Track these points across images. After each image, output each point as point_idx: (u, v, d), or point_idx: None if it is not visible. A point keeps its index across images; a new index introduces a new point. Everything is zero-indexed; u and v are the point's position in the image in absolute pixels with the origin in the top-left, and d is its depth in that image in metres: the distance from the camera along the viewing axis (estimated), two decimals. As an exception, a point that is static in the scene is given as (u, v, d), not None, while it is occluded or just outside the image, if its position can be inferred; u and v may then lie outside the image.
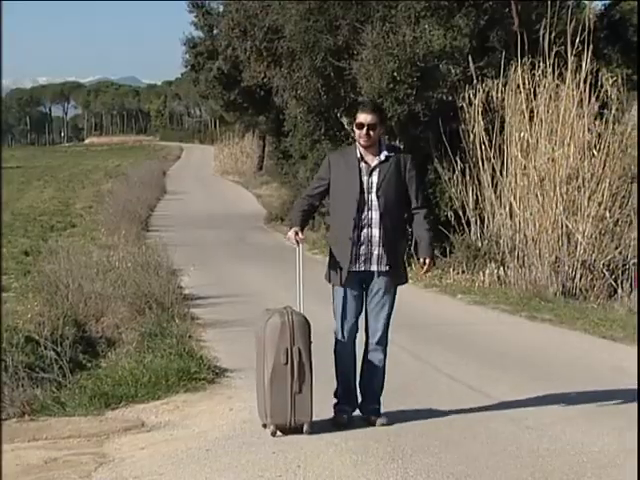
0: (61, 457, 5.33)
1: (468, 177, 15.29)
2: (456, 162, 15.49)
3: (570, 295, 12.85)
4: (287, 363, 5.13)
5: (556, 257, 13.28)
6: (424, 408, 6.05)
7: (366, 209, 5.40)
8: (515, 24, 16.36)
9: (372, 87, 15.66)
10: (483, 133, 15.00)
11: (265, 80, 19.93)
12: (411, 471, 4.64)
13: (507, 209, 14.50)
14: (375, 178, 5.43)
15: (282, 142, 27.91)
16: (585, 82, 13.87)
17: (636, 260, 12.95)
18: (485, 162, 14.96)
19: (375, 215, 5.40)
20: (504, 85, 14.87)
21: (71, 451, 5.47)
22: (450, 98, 15.82)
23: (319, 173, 5.67)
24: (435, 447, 5.05)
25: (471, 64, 15.86)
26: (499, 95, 14.98)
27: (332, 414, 5.50)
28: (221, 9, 27.71)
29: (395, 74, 15.43)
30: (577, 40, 13.86)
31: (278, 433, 5.20)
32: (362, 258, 5.40)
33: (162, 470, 4.88)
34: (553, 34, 14.42)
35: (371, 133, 5.42)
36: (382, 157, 5.47)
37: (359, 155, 5.49)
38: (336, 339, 5.47)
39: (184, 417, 6.22)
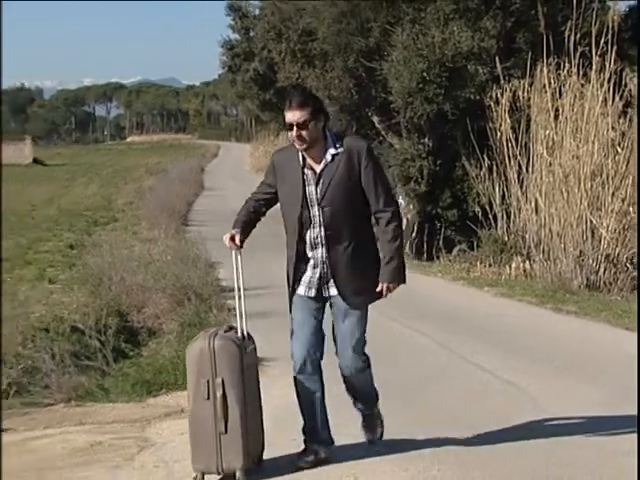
0: (106, 441, 5.39)
1: (495, 174, 15.52)
2: (483, 159, 15.74)
3: (594, 288, 12.85)
4: (209, 398, 4.21)
5: (580, 251, 13.26)
6: (451, 396, 6.18)
7: (315, 226, 4.40)
8: (541, 26, 16.52)
9: (402, 87, 15.96)
10: (510, 131, 15.20)
11: (299, 80, 20.24)
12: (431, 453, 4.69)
13: (533, 204, 14.63)
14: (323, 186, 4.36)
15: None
16: (609, 81, 13.93)
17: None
18: (511, 159, 15.15)
19: (324, 232, 4.39)
20: (530, 85, 15.05)
21: (115, 435, 5.53)
22: (478, 97, 16.05)
23: (265, 175, 4.64)
24: (458, 433, 5.10)
25: (498, 64, 16.12)
26: (525, 94, 15.17)
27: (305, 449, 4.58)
28: (257, 12, 28.17)
29: (424, 74, 15.72)
30: (602, 41, 13.93)
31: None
32: (316, 284, 4.46)
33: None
34: (578, 35, 14.55)
35: (303, 133, 4.27)
36: (328, 157, 4.34)
37: (301, 159, 4.39)
38: (294, 370, 4.47)
39: (222, 403, 6.40)
